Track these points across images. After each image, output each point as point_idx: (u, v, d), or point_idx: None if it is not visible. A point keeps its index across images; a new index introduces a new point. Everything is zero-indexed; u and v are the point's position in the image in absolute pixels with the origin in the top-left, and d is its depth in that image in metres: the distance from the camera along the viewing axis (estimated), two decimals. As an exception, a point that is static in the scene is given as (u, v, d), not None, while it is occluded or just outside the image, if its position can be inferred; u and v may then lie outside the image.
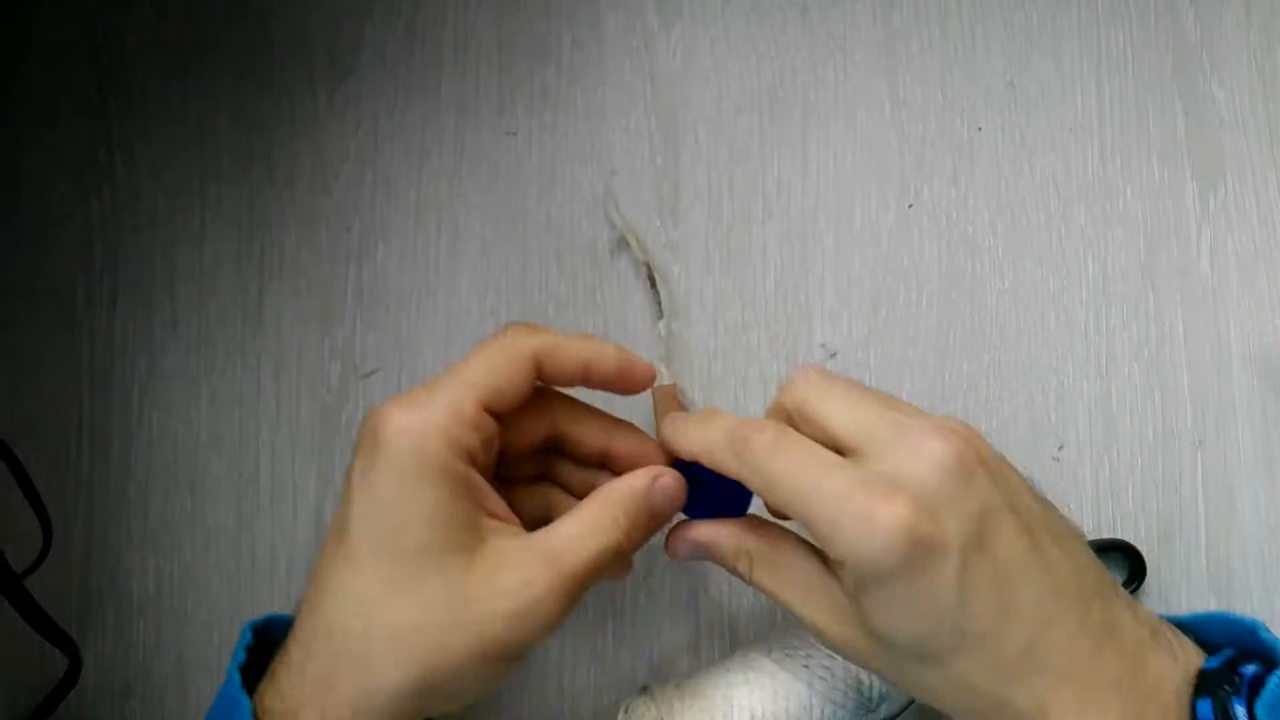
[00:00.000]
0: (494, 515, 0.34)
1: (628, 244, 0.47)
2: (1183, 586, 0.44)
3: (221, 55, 0.49)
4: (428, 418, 0.32)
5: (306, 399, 0.47)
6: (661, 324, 0.46)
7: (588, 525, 0.34)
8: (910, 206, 0.48)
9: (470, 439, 0.33)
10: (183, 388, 0.47)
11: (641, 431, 0.38)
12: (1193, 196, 0.47)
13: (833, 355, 0.46)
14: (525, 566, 0.32)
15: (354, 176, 0.48)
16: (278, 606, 0.46)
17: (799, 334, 0.47)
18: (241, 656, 0.34)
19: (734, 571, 0.35)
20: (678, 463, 0.37)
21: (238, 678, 0.33)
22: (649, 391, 0.38)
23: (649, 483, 0.35)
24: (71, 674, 0.44)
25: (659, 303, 0.46)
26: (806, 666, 0.39)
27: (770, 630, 0.43)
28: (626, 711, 0.41)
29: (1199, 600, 0.44)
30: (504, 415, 0.34)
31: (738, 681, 0.40)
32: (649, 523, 0.35)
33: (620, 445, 0.37)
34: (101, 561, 0.46)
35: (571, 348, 0.35)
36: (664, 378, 0.44)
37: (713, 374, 0.47)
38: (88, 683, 0.45)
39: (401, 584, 0.31)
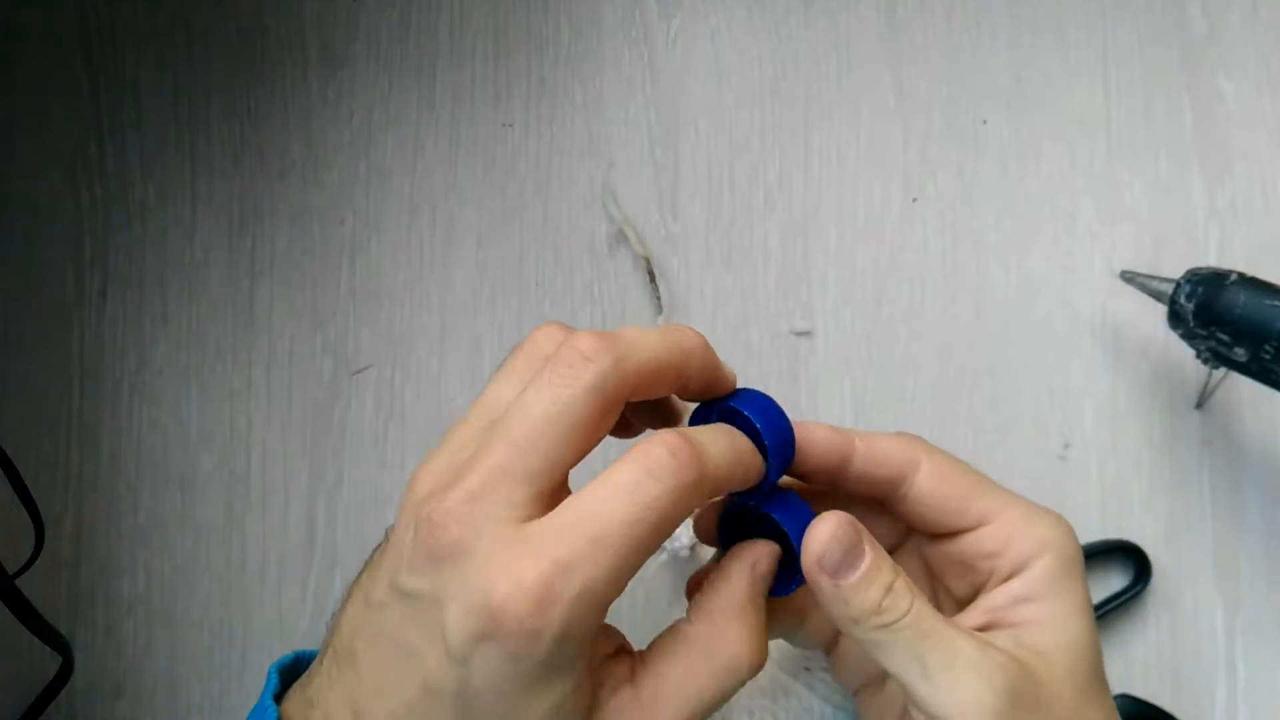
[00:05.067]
0: (606, 656, 0.30)
1: (626, 238, 0.47)
2: (1188, 588, 0.44)
3: (213, 46, 0.49)
4: (585, 582, 0.25)
5: (298, 395, 0.47)
6: (660, 319, 0.46)
7: (702, 654, 0.30)
8: (914, 200, 0.47)
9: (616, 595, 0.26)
10: (173, 383, 0.47)
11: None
12: (1200, 191, 0.46)
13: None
14: None
15: (347, 168, 0.48)
16: (268, 606, 0.46)
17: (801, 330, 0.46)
18: (272, 711, 0.29)
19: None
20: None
21: None
22: None
23: (751, 577, 0.31)
24: (63, 673, 0.43)
25: (658, 298, 0.46)
26: (807, 669, 0.39)
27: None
28: (623, 714, 0.41)
29: (1204, 601, 0.44)
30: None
31: (737, 684, 0.39)
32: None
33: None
34: (91, 559, 0.46)
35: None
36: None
37: (712, 370, 0.46)
38: (77, 682, 0.45)
39: None
